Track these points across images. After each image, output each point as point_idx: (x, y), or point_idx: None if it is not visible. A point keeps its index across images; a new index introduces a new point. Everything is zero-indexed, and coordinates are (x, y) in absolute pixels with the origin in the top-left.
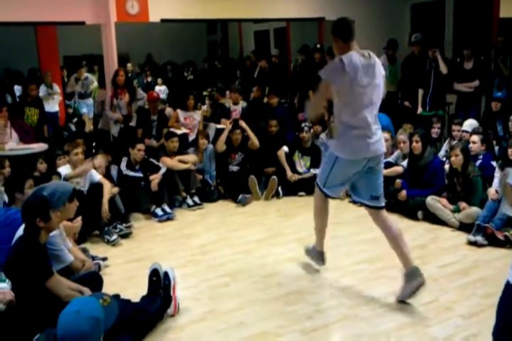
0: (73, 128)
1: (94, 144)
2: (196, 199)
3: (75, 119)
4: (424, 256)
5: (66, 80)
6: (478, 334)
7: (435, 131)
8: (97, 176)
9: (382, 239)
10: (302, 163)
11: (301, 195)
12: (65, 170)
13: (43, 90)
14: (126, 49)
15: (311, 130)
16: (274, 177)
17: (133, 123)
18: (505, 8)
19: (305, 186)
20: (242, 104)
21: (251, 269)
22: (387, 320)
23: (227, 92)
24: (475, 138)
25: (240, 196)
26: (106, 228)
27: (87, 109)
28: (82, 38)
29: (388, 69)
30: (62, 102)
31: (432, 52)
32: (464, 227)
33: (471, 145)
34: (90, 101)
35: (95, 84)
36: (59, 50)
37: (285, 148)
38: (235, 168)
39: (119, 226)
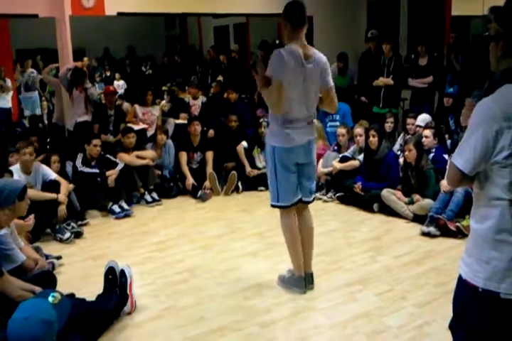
0: (26, 124)
1: (48, 140)
2: (155, 195)
3: (29, 115)
4: (380, 247)
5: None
6: (432, 322)
7: (388, 126)
8: (53, 174)
9: (338, 232)
10: (261, 158)
11: (261, 190)
12: (15, 169)
13: None
14: (82, 43)
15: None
16: (234, 172)
17: (89, 119)
18: (457, 7)
19: (264, 181)
20: (202, 98)
21: (210, 265)
22: (344, 311)
23: (187, 87)
24: (427, 132)
25: (200, 192)
26: (58, 226)
27: (31, 105)
28: (36, 31)
29: (337, 80)
30: (15, 97)
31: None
32: (417, 219)
33: (423, 139)
34: (35, 95)
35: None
36: (11, 44)
37: (244, 144)
38: (194, 166)
39: (72, 224)
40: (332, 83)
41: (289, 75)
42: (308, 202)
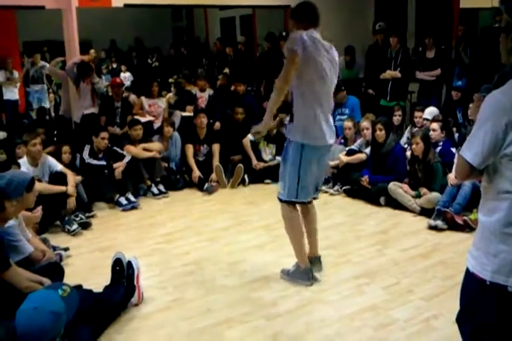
0: (33, 116)
1: (55, 132)
2: (161, 187)
3: (36, 107)
4: (386, 241)
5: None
6: (439, 315)
7: (396, 119)
8: (58, 166)
9: (344, 225)
10: (268, 151)
11: (267, 183)
12: (22, 162)
13: (2, 76)
14: (89, 34)
15: (277, 118)
16: (240, 165)
17: (96, 111)
18: None
19: (271, 174)
20: (209, 91)
21: (217, 257)
22: (351, 304)
23: (194, 79)
24: (435, 125)
25: (206, 184)
26: (67, 218)
27: (37, 98)
28: (43, 23)
29: (344, 73)
30: (22, 89)
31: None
32: (424, 212)
33: (431, 132)
34: (43, 87)
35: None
36: (19, 36)
37: (251, 136)
38: (201, 158)
39: (80, 215)
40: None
41: (308, 53)
42: (316, 199)
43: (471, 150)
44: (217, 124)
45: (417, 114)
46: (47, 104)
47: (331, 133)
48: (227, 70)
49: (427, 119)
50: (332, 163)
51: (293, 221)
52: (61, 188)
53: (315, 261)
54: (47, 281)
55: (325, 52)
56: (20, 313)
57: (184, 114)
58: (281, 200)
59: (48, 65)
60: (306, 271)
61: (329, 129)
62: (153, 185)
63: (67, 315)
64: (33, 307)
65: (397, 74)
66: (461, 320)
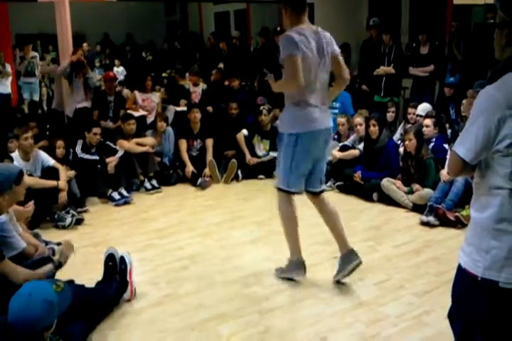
0: (26, 110)
1: (48, 126)
2: (154, 182)
3: (28, 99)
4: (379, 237)
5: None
6: (431, 311)
7: (390, 115)
8: (51, 160)
9: None
10: (261, 146)
11: (261, 178)
12: (14, 156)
13: None
14: (82, 28)
15: (271, 113)
16: (234, 160)
17: (89, 105)
18: None
19: (264, 169)
20: (202, 85)
21: (210, 252)
22: (344, 300)
23: (187, 74)
24: (428, 121)
25: (200, 179)
26: (57, 215)
27: (29, 90)
28: (36, 16)
29: None
30: (14, 83)
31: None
32: (417, 208)
33: (424, 128)
34: (35, 80)
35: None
36: (11, 28)
37: (244, 131)
38: (194, 153)
39: (71, 211)
40: (339, 50)
41: (303, 49)
42: (321, 192)
43: (464, 146)
44: (209, 108)
45: (410, 110)
46: (37, 97)
47: (325, 118)
48: (221, 65)
49: (420, 115)
50: None
51: (287, 212)
52: (53, 183)
53: (349, 254)
54: (41, 274)
55: (313, 41)
56: (14, 300)
57: (178, 108)
58: (277, 188)
59: (37, 57)
60: (297, 263)
61: (323, 113)
62: (146, 179)
63: (59, 310)
64: (28, 293)
65: (390, 69)
66: (452, 316)
